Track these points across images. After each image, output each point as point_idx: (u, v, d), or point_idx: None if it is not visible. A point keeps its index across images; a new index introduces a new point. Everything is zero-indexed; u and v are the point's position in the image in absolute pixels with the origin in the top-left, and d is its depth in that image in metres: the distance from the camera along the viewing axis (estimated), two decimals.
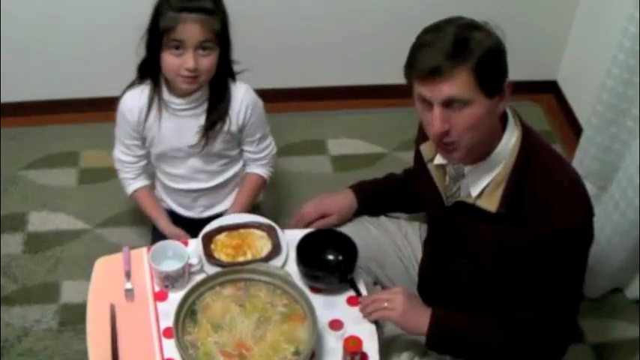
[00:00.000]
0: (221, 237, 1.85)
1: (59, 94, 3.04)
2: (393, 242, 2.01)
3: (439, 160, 1.66)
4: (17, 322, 2.29)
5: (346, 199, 1.96)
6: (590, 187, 1.58)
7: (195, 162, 2.13)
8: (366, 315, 1.68)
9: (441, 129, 1.46)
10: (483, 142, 1.52)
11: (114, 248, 2.07)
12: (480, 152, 1.55)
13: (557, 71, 3.27)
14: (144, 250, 1.83)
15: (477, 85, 1.42)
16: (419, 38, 1.47)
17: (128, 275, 1.76)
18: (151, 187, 2.23)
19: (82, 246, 2.54)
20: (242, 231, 1.88)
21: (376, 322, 1.70)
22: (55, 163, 2.86)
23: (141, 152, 2.13)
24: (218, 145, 2.09)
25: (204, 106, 2.03)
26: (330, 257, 1.82)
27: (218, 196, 2.23)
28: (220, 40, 1.90)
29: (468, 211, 1.60)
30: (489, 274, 1.65)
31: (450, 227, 1.68)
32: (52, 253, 2.51)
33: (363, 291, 1.77)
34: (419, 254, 1.96)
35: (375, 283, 2.04)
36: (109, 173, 2.81)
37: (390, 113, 3.10)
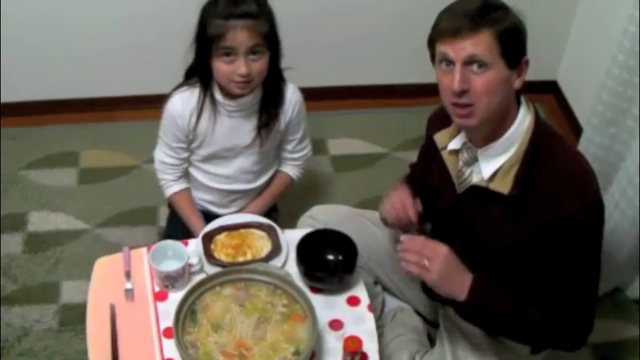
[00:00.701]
0: (221, 237, 1.86)
1: (59, 94, 3.04)
2: (394, 241, 2.01)
3: (453, 145, 1.67)
4: (17, 322, 2.29)
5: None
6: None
7: (243, 162, 2.13)
8: (404, 265, 1.58)
9: (460, 87, 1.48)
10: (497, 114, 1.54)
11: (114, 248, 2.07)
12: (493, 129, 1.56)
13: (557, 71, 3.27)
14: (144, 250, 1.83)
15: (499, 52, 1.47)
16: (446, 7, 1.53)
17: (128, 275, 1.76)
18: (189, 191, 2.21)
19: (82, 246, 2.54)
20: (242, 231, 1.88)
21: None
22: (55, 163, 2.86)
23: (185, 155, 2.12)
24: (269, 143, 2.11)
25: (257, 106, 2.04)
26: (330, 257, 1.82)
27: (254, 197, 2.25)
28: (270, 42, 1.90)
29: (481, 195, 1.61)
30: (501, 259, 1.65)
31: (462, 214, 1.68)
32: (52, 253, 2.51)
33: (363, 292, 1.77)
34: None
35: (376, 283, 2.04)
36: (109, 173, 2.82)
37: (390, 113, 3.10)
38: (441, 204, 1.77)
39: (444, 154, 1.70)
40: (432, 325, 2.06)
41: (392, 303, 2.08)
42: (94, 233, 2.60)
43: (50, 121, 3.03)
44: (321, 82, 3.16)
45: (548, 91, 3.27)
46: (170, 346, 1.61)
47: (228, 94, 1.99)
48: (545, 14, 3.02)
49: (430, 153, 1.77)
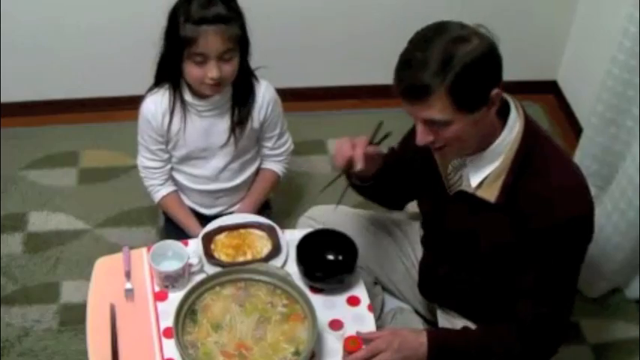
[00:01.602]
0: (221, 237, 1.86)
1: (59, 94, 3.04)
2: (394, 241, 2.02)
3: None
4: (17, 322, 2.29)
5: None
6: (590, 188, 1.58)
7: (218, 161, 2.13)
8: None
9: (424, 142, 1.50)
10: (477, 140, 1.53)
11: (114, 248, 2.08)
12: (478, 147, 1.56)
13: (557, 71, 3.27)
14: (144, 250, 1.83)
15: (454, 107, 1.42)
16: (402, 54, 1.47)
17: (128, 275, 1.76)
18: (178, 192, 2.22)
19: (82, 246, 2.54)
20: (242, 231, 1.88)
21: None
22: (55, 163, 2.86)
23: (166, 156, 2.13)
24: (243, 142, 2.11)
25: (228, 105, 2.04)
26: (330, 257, 1.82)
27: (239, 194, 2.25)
28: (240, 44, 1.91)
29: (468, 200, 1.61)
30: (488, 266, 1.65)
31: (450, 216, 1.69)
32: (52, 253, 2.51)
33: (363, 292, 1.77)
34: (419, 253, 1.97)
35: (376, 283, 2.04)
36: (109, 173, 2.82)
37: (390, 113, 3.07)
38: (431, 201, 1.77)
39: (437, 156, 1.69)
40: (431, 325, 2.06)
41: (391, 303, 2.08)
42: (94, 233, 2.59)
43: (50, 121, 3.02)
44: (321, 82, 3.17)
45: (548, 92, 3.27)
46: (170, 346, 1.61)
47: (198, 94, 2.00)
48: (545, 14, 3.02)
49: (422, 150, 1.75)
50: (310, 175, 2.85)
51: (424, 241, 1.92)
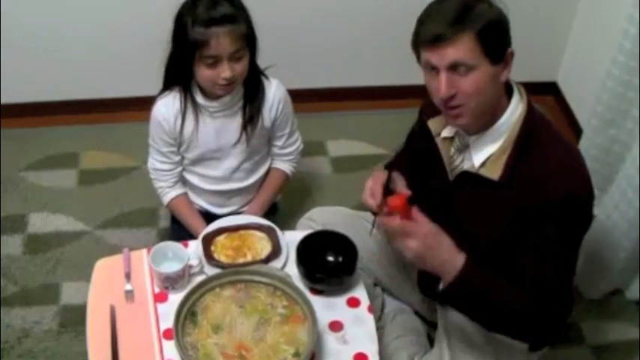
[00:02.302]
0: (221, 238, 1.86)
1: (59, 94, 3.04)
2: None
3: (446, 133, 1.69)
4: (17, 324, 2.29)
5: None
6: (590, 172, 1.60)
7: (231, 162, 2.14)
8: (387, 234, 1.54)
9: (448, 93, 1.51)
10: (488, 109, 1.57)
11: (114, 250, 2.07)
12: (485, 120, 1.59)
13: (557, 72, 3.27)
14: (144, 251, 1.83)
15: (481, 51, 1.48)
16: (425, 10, 1.53)
17: (128, 277, 1.76)
18: (187, 195, 2.22)
19: (82, 247, 2.54)
20: (242, 232, 1.88)
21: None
22: (55, 165, 2.86)
23: (177, 158, 2.14)
24: (254, 141, 2.12)
25: (240, 104, 2.05)
26: (330, 259, 1.82)
27: (251, 194, 2.26)
28: (249, 42, 1.92)
29: (471, 181, 1.62)
30: (490, 246, 1.65)
31: (453, 200, 1.69)
32: (52, 255, 2.51)
33: (363, 294, 1.77)
34: None
35: (376, 284, 2.04)
36: (110, 174, 2.82)
37: (390, 114, 3.10)
38: (432, 190, 1.77)
39: (438, 141, 1.71)
40: (431, 325, 2.06)
41: (391, 304, 2.08)
42: (94, 235, 2.59)
43: (50, 123, 3.02)
44: (321, 84, 3.16)
45: (548, 93, 3.27)
46: (170, 347, 1.61)
47: (209, 96, 2.01)
48: (545, 15, 3.03)
49: (422, 139, 1.77)
50: (310, 177, 2.85)
51: None
